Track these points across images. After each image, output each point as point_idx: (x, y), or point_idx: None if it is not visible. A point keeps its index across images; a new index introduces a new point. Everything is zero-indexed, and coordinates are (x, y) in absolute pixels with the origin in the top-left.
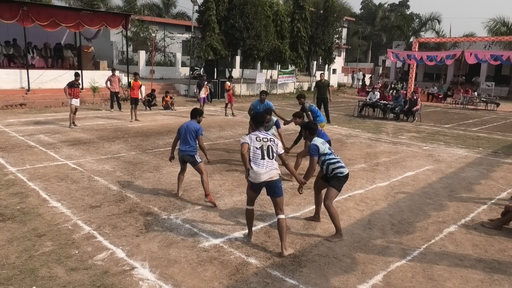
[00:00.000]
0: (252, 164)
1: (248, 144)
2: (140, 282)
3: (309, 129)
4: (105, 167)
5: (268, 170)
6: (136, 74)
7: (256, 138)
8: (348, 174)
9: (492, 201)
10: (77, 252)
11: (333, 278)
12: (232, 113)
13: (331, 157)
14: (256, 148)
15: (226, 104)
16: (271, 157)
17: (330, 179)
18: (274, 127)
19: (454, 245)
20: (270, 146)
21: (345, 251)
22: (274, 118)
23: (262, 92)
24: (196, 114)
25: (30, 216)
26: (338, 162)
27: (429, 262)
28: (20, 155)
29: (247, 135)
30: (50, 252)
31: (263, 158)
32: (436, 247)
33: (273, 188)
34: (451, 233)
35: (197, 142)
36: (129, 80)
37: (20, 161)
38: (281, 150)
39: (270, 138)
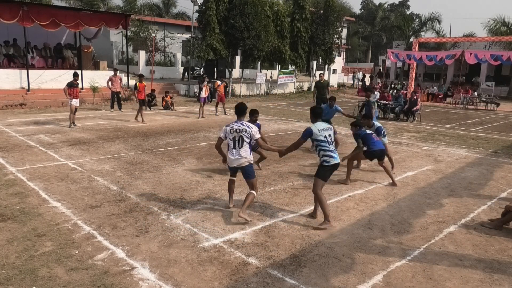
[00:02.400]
0: (227, 152)
1: (222, 138)
2: (140, 282)
3: (313, 112)
4: (105, 167)
5: (237, 157)
6: (141, 76)
7: (230, 130)
8: (335, 164)
9: (492, 201)
10: (77, 252)
11: (333, 278)
12: (224, 112)
13: (325, 144)
14: (230, 139)
15: (217, 103)
16: (240, 146)
17: (318, 167)
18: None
19: (454, 245)
20: (241, 137)
21: (345, 251)
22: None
23: (331, 98)
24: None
25: (30, 216)
26: (329, 151)
27: (429, 262)
28: (20, 155)
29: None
30: (50, 252)
31: (234, 147)
32: (436, 247)
33: (245, 172)
34: (451, 233)
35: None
36: (135, 83)
37: (20, 161)
38: (256, 135)
39: (242, 129)
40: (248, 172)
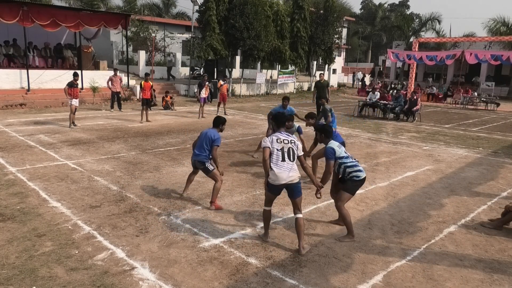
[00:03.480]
0: (272, 166)
1: (270, 148)
2: (140, 282)
3: (325, 132)
4: (105, 167)
5: (288, 172)
6: (147, 75)
7: (277, 139)
8: (365, 178)
9: (492, 201)
10: (77, 252)
11: (333, 278)
12: (224, 112)
13: (348, 160)
14: (277, 149)
15: (219, 103)
16: (291, 159)
17: (345, 181)
18: (296, 132)
19: (454, 245)
20: (291, 148)
21: (345, 251)
22: (296, 124)
23: (285, 99)
24: (219, 123)
25: (30, 216)
26: (355, 165)
27: (429, 262)
28: (20, 155)
29: (268, 136)
30: (50, 252)
31: (283, 160)
32: (436, 247)
33: (293, 190)
34: (451, 233)
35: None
36: (141, 82)
37: (20, 161)
38: (300, 152)
39: (291, 140)
40: (298, 189)
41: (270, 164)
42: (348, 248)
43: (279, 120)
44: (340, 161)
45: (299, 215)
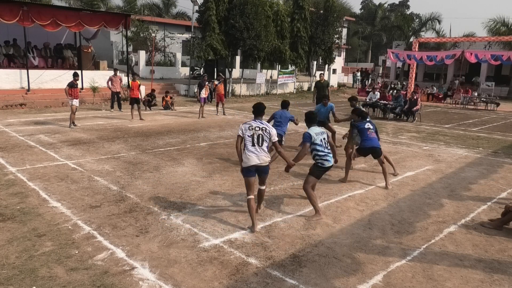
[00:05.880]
0: (245, 150)
1: (241, 136)
2: (140, 282)
3: (307, 118)
4: (105, 167)
5: (257, 155)
6: (134, 74)
7: (249, 127)
8: (329, 167)
9: (492, 201)
10: (77, 252)
11: (333, 278)
12: (223, 112)
13: (320, 148)
14: (248, 136)
15: (217, 103)
16: (260, 144)
17: (313, 166)
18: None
19: (454, 245)
20: (260, 135)
21: (345, 251)
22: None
23: (324, 97)
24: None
25: (30, 216)
26: (325, 155)
27: (429, 262)
28: (20, 155)
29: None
30: (50, 252)
31: (253, 145)
32: (436, 247)
33: (262, 171)
34: (451, 233)
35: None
36: (128, 81)
37: (20, 161)
38: (274, 139)
39: (262, 128)
40: (266, 171)
41: (242, 149)
42: (348, 248)
43: (257, 110)
44: (313, 146)
45: (263, 187)
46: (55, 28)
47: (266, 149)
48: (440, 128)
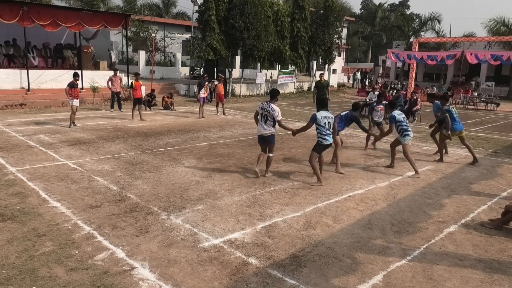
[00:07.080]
0: (258, 123)
1: (258, 111)
2: (140, 282)
3: (319, 102)
4: (105, 167)
5: (262, 129)
6: (137, 74)
7: (262, 107)
8: (328, 145)
9: (492, 201)
10: (77, 252)
11: (333, 278)
12: (223, 112)
13: (322, 129)
14: (260, 114)
15: (217, 103)
16: (265, 121)
17: (315, 144)
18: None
19: (454, 245)
20: (265, 115)
21: (345, 251)
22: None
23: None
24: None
25: (30, 216)
26: (325, 135)
27: (429, 262)
28: (20, 155)
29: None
30: (50, 252)
31: (262, 121)
32: (436, 247)
33: (266, 140)
34: (451, 233)
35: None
36: (131, 81)
37: (20, 161)
38: (278, 118)
39: (267, 110)
40: (270, 141)
41: (257, 121)
42: (348, 248)
43: (270, 95)
44: (318, 126)
45: (270, 155)
46: (55, 28)
47: (269, 125)
48: None
